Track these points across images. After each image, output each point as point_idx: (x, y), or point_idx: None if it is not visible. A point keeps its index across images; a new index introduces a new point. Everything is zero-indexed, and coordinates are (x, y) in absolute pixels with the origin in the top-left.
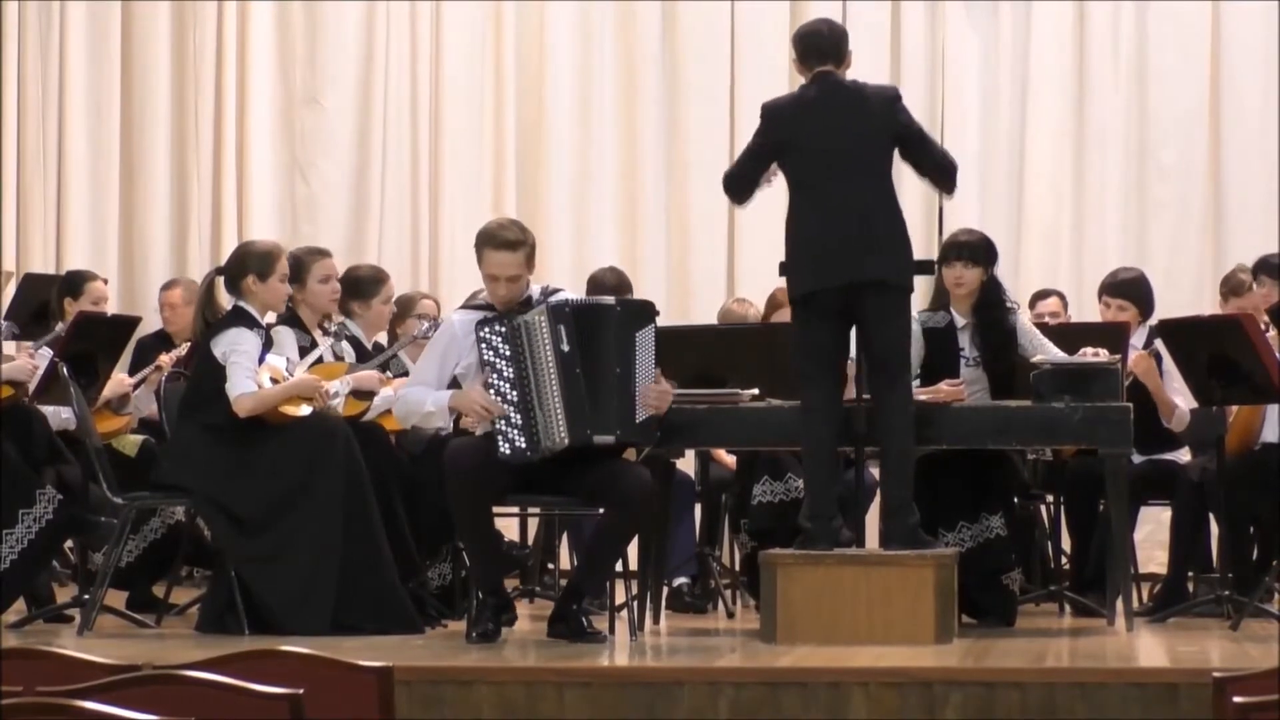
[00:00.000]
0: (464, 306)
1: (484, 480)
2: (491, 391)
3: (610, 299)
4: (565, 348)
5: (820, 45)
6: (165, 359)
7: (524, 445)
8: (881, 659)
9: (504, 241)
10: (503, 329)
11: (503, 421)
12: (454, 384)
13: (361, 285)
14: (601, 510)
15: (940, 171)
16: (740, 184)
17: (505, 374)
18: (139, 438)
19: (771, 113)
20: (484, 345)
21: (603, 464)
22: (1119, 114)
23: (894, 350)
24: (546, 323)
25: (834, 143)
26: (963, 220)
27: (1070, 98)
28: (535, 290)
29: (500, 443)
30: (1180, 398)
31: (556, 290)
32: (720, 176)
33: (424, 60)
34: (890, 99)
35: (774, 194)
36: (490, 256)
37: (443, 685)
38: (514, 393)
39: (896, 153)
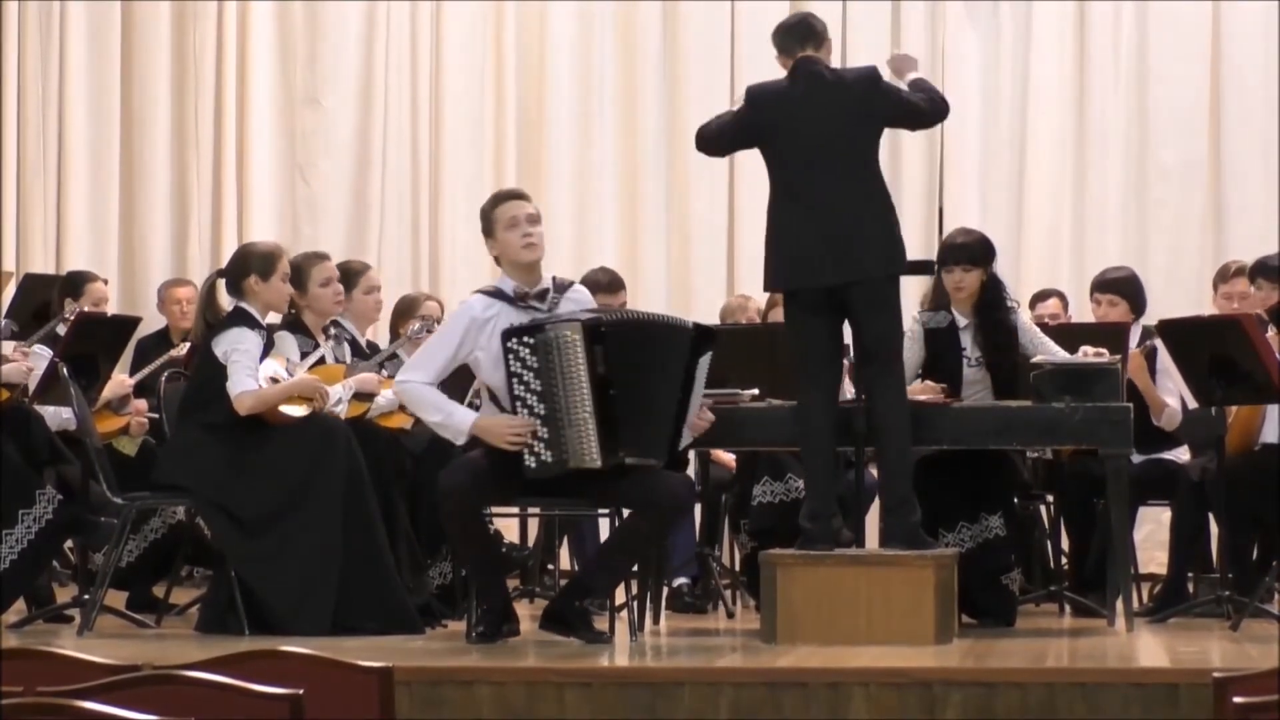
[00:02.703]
0: (482, 292)
1: (476, 498)
2: (518, 404)
3: (688, 321)
4: (601, 369)
5: (797, 30)
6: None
7: (551, 461)
8: (881, 659)
9: (513, 193)
10: (531, 341)
11: (529, 434)
12: (463, 370)
13: (343, 278)
14: (631, 512)
15: (932, 119)
16: (712, 147)
17: (533, 387)
18: (139, 438)
19: (755, 99)
20: (511, 356)
21: (639, 470)
22: (1119, 114)
23: (884, 341)
24: (581, 342)
25: (817, 137)
26: (963, 220)
27: (1070, 97)
28: (547, 279)
29: (526, 456)
30: (1171, 397)
31: (569, 284)
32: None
33: (424, 60)
34: (871, 81)
35: None
36: (504, 208)
37: (443, 686)
38: (542, 406)
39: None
